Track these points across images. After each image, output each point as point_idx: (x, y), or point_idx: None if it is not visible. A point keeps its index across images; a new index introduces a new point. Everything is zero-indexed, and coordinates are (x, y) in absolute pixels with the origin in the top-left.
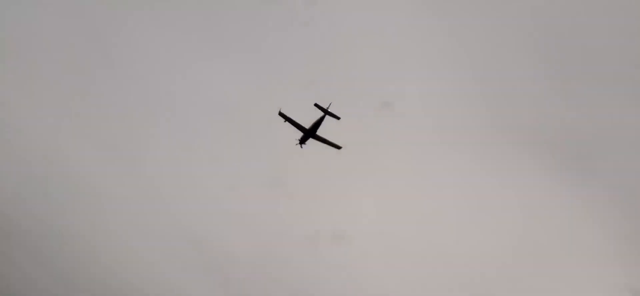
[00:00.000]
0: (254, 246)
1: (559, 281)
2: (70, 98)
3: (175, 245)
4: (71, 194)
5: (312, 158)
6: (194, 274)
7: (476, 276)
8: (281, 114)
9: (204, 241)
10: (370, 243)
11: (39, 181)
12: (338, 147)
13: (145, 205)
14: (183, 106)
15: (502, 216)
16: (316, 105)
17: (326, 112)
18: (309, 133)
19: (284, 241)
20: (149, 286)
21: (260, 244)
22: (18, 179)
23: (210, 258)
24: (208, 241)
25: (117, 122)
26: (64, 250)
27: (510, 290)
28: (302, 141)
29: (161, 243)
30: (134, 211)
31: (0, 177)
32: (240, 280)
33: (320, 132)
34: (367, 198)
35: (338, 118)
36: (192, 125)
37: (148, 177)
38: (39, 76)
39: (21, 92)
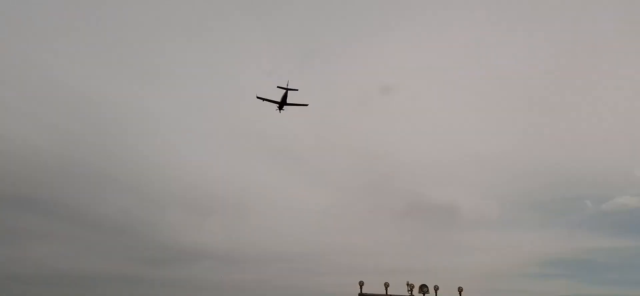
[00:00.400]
0: (310, 121)
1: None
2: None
3: (242, 143)
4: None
5: (337, 22)
6: (262, 161)
7: (532, 85)
8: (258, 97)
9: (264, 133)
10: (417, 84)
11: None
12: (305, 105)
13: (207, 119)
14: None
15: (543, 24)
16: (278, 86)
17: (287, 88)
18: (282, 104)
19: (335, 107)
20: (227, 186)
21: (314, 115)
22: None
23: (274, 144)
24: (268, 132)
25: (148, 46)
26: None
27: (566, 89)
28: (280, 108)
29: (228, 145)
30: (197, 126)
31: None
32: (304, 155)
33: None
34: (405, 45)
35: (296, 90)
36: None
37: (198, 91)
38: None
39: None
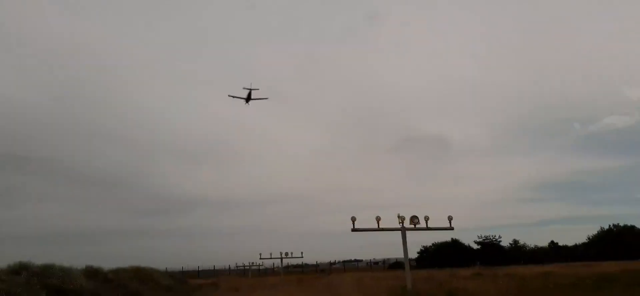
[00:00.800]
0: (295, 60)
1: None
2: None
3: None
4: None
5: None
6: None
7: (521, 10)
8: (229, 96)
9: (252, 77)
10: (405, 11)
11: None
12: (266, 99)
13: (192, 63)
14: None
15: None
16: (244, 88)
17: (250, 89)
18: (248, 99)
19: (320, 41)
20: (216, 132)
21: (298, 53)
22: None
23: (261, 86)
24: (254, 75)
25: None
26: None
27: None
28: (247, 101)
29: (215, 91)
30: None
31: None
32: (291, 95)
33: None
34: None
35: (257, 89)
36: None
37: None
38: None
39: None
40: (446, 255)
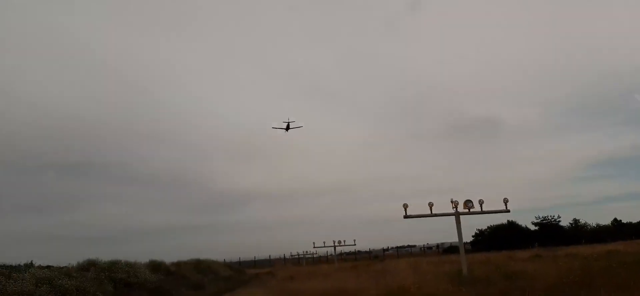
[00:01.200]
0: (338, 53)
1: None
2: None
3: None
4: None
5: None
6: (295, 100)
7: None
8: (273, 127)
9: (294, 73)
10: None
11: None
12: (301, 127)
13: (238, 64)
14: None
15: None
16: (283, 121)
17: (288, 121)
18: (287, 128)
19: (362, 33)
20: (265, 129)
21: (341, 46)
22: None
23: (305, 82)
24: (297, 71)
25: None
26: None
27: None
28: (286, 130)
29: (261, 89)
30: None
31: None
32: (335, 89)
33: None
34: None
35: (294, 121)
36: None
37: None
38: None
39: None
40: (502, 237)
